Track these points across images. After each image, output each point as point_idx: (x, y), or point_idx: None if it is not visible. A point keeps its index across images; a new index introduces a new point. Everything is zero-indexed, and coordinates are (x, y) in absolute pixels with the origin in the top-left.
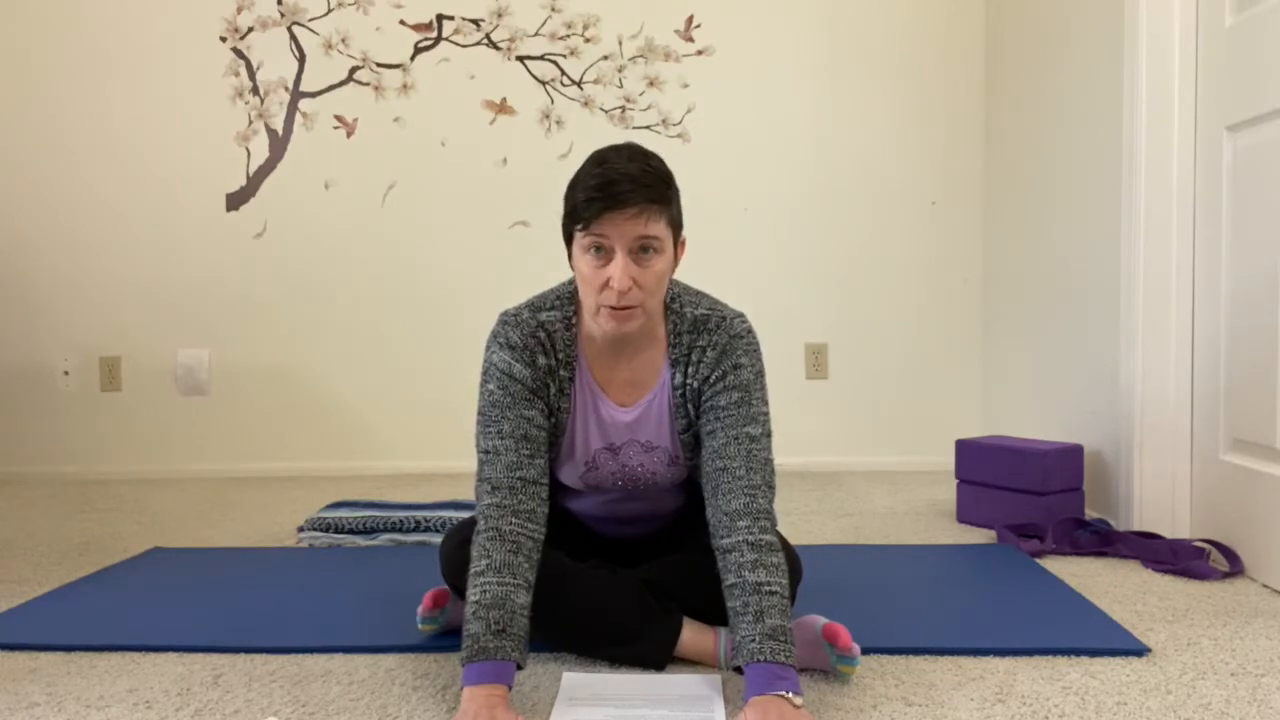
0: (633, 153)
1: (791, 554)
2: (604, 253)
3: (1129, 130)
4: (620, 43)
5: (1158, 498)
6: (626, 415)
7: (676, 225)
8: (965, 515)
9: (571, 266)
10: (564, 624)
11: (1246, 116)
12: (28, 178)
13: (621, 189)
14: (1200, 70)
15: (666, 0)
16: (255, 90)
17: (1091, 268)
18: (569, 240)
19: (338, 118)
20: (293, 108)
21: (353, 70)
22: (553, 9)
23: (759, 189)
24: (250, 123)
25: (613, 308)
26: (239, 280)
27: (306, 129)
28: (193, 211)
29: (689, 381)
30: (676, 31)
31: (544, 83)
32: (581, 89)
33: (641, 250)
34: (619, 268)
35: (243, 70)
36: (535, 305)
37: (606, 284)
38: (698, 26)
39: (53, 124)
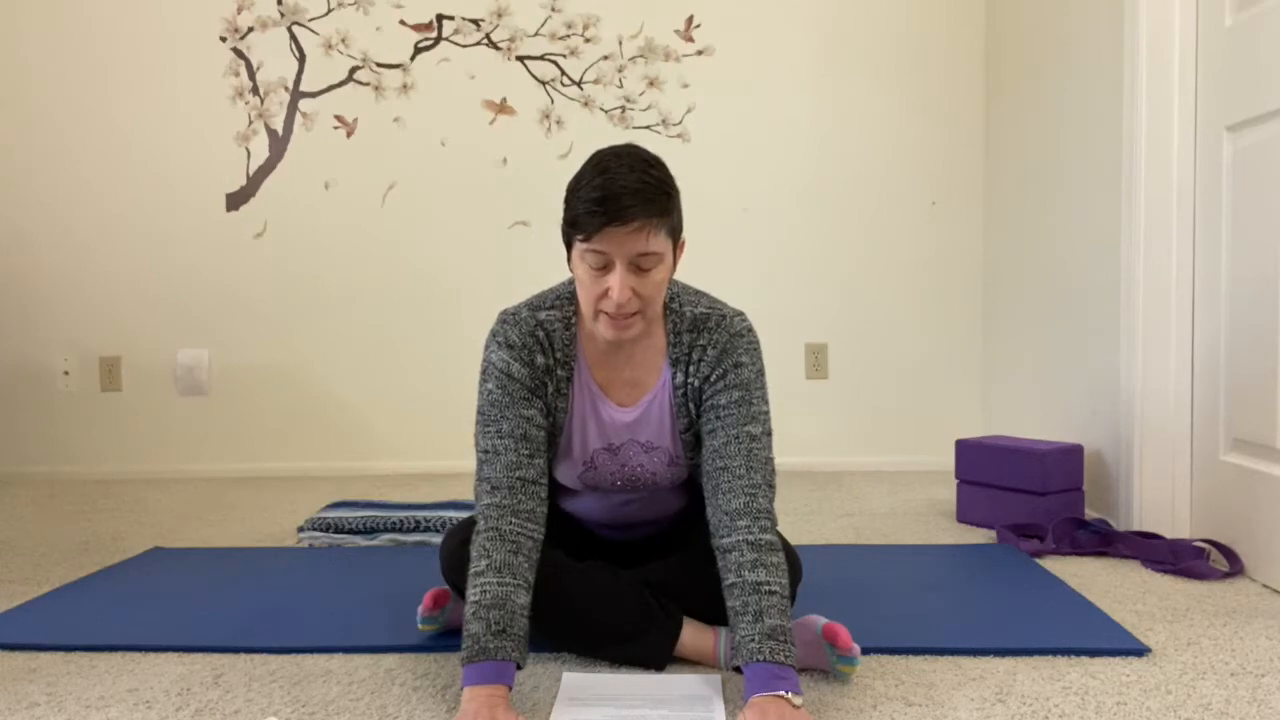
0: (634, 161)
1: (791, 554)
2: (603, 263)
3: (1129, 130)
4: (620, 43)
5: (1158, 498)
6: (626, 415)
7: (676, 232)
8: (965, 515)
9: (570, 270)
10: (564, 624)
11: (1246, 116)
12: (28, 177)
13: (623, 204)
14: (1200, 70)
15: (666, 0)
16: (255, 90)
17: (1091, 268)
18: (569, 244)
19: (338, 118)
20: (293, 108)
21: (353, 70)
22: (553, 9)
23: (759, 189)
24: (250, 123)
25: (611, 316)
26: (239, 280)
27: (306, 129)
28: (193, 211)
29: (690, 380)
30: (676, 31)
31: (544, 83)
32: (581, 89)
33: (641, 264)
34: (618, 280)
35: (243, 70)
36: (534, 304)
37: (605, 293)
38: (698, 26)
39: (53, 124)
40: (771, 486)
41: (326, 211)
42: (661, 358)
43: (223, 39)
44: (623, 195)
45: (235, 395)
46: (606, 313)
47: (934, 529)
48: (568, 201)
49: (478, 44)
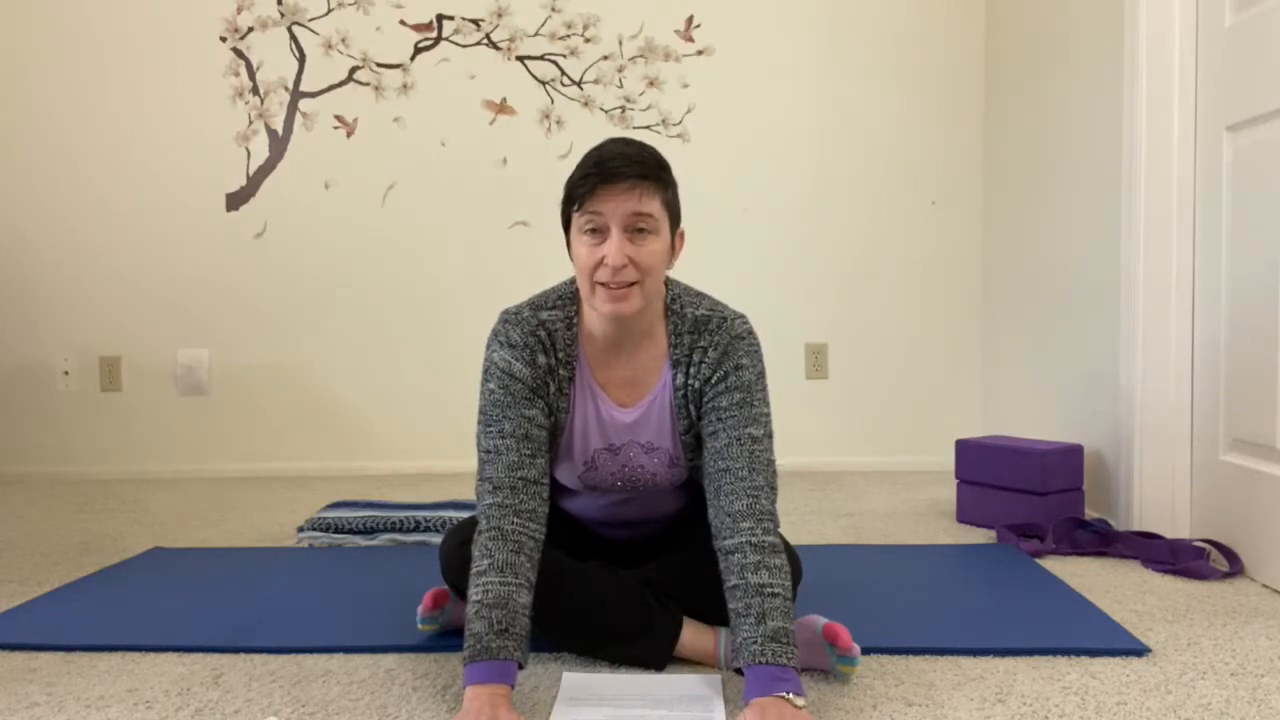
0: (628, 140)
1: (792, 554)
2: (599, 233)
3: (1129, 130)
4: (620, 43)
5: (1158, 498)
6: (627, 416)
7: (673, 211)
8: (965, 515)
9: (571, 259)
10: (564, 624)
11: (1246, 116)
12: (28, 177)
13: (614, 165)
14: (1200, 70)
15: (666, 0)
16: (255, 90)
17: (1091, 267)
18: (567, 228)
19: (338, 118)
20: (293, 108)
21: (353, 70)
22: (553, 9)
23: (759, 189)
24: (250, 123)
25: (609, 287)
26: (239, 280)
27: (306, 129)
28: (193, 211)
29: (690, 382)
30: (676, 31)
31: (544, 83)
32: (581, 89)
33: (637, 229)
34: (614, 244)
35: (243, 70)
36: (536, 304)
37: (601, 261)
38: (698, 26)
39: (53, 124)
40: (773, 488)
41: (326, 211)
42: (662, 359)
43: (223, 39)
44: (613, 158)
45: (235, 395)
46: (603, 283)
47: (934, 529)
48: (566, 185)
49: (478, 44)
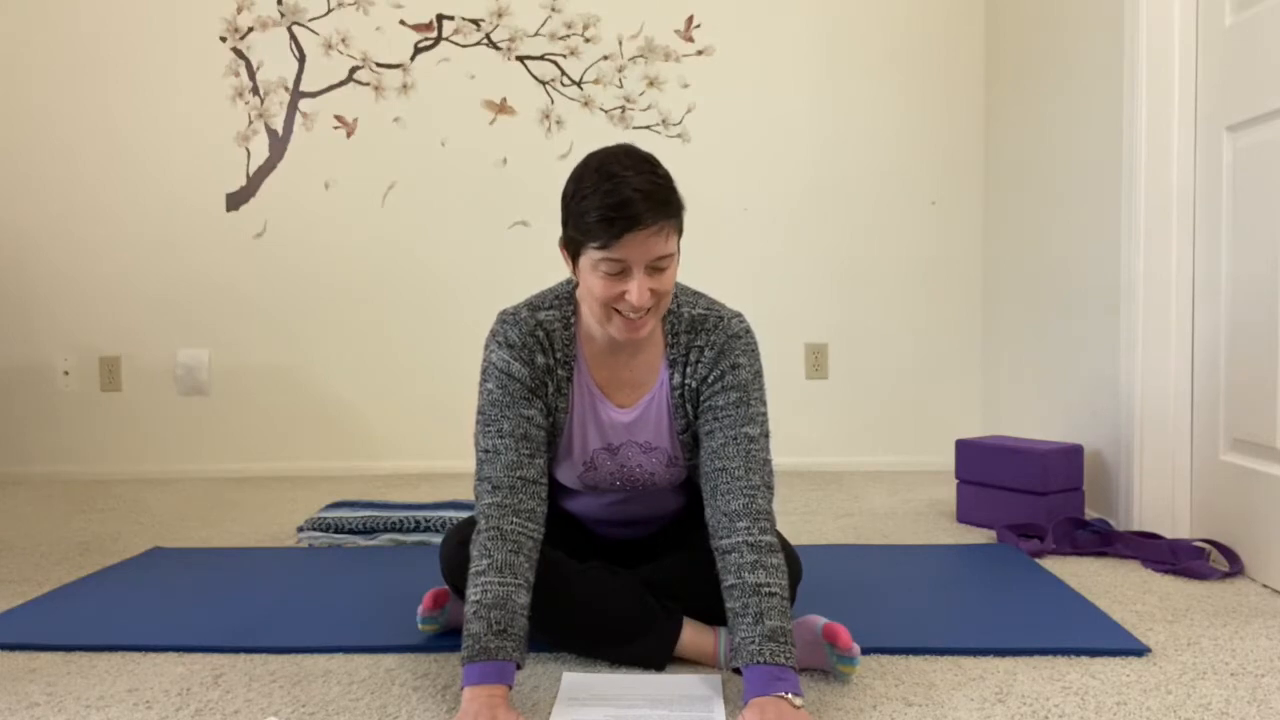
0: (637, 162)
1: (791, 554)
2: (620, 269)
3: (1129, 130)
4: (620, 43)
5: (1158, 498)
6: (625, 416)
7: (681, 229)
8: (965, 515)
9: (575, 276)
10: (564, 624)
11: (1246, 116)
12: (28, 178)
13: (638, 209)
14: (1200, 70)
15: (666, 0)
16: (255, 90)
17: (1091, 267)
18: (575, 252)
19: (338, 118)
20: (293, 108)
21: (353, 70)
22: (553, 9)
23: (759, 189)
24: (250, 123)
25: (627, 318)
26: (239, 280)
27: (306, 129)
28: (193, 211)
29: (687, 381)
30: (676, 31)
31: (544, 83)
32: (581, 89)
33: (657, 265)
34: (638, 286)
35: (243, 70)
36: (534, 304)
37: (621, 296)
38: (698, 26)
39: (53, 124)
40: (770, 488)
41: (326, 211)
42: (660, 358)
43: (223, 39)
44: (636, 200)
45: (235, 395)
46: (620, 313)
47: (934, 529)
48: (572, 209)
49: (478, 44)
